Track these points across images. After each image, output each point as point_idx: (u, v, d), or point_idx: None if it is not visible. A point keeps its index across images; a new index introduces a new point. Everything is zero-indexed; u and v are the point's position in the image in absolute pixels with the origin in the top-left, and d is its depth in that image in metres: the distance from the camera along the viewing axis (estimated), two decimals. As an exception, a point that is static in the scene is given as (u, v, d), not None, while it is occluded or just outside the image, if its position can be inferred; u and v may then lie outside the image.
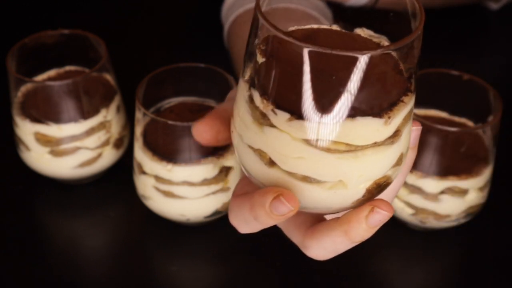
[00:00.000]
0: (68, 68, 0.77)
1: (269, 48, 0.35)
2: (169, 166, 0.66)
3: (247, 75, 0.36)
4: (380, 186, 0.37)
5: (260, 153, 0.36)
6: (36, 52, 0.74)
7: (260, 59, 0.35)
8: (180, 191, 0.67)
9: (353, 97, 0.33)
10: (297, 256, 0.72)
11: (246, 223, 0.38)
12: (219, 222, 0.71)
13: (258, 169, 0.37)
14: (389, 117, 0.34)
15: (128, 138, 0.76)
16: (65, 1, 1.08)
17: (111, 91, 0.74)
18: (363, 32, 0.38)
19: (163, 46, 0.99)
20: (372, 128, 0.34)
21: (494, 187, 0.70)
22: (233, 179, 0.68)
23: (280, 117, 0.34)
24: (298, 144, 0.35)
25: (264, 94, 0.35)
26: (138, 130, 0.68)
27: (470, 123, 0.71)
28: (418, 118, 0.64)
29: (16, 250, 0.70)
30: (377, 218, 0.36)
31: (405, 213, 0.68)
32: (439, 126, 0.64)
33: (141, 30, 1.02)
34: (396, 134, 0.35)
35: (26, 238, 0.71)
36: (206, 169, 0.66)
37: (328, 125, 0.34)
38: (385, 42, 0.37)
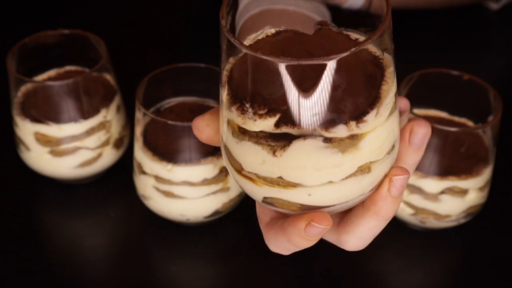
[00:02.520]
0: (68, 68, 0.77)
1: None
2: (169, 166, 0.66)
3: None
4: None
5: (360, 169, 0.36)
6: (36, 52, 0.74)
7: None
8: (180, 191, 0.67)
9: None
10: (297, 256, 0.72)
11: (288, 249, 0.40)
12: (219, 222, 0.71)
13: (361, 185, 0.36)
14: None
15: (128, 138, 0.76)
16: (65, 1, 1.08)
17: (111, 91, 0.74)
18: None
19: (163, 46, 0.99)
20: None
21: (494, 187, 0.70)
22: (233, 179, 0.68)
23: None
24: (386, 125, 0.36)
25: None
26: (138, 130, 0.68)
27: (470, 123, 0.71)
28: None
29: (16, 250, 0.70)
30: (398, 185, 0.37)
31: (405, 213, 0.68)
32: (439, 126, 0.64)
33: (141, 30, 1.02)
34: None
35: (26, 238, 0.71)
36: (206, 169, 0.66)
37: (391, 86, 0.36)
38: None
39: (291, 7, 0.70)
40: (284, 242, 0.38)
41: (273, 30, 0.38)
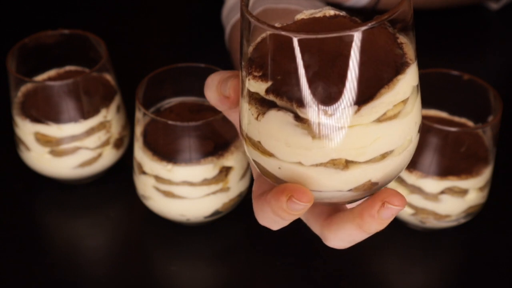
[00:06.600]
0: (68, 68, 0.77)
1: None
2: (169, 166, 0.66)
3: (280, 100, 0.34)
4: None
5: (333, 163, 0.34)
6: (36, 52, 0.74)
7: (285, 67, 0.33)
8: (180, 191, 0.67)
9: (399, 55, 0.34)
10: (297, 256, 0.72)
11: (275, 222, 0.39)
12: (219, 222, 0.71)
13: (334, 179, 0.35)
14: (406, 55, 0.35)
15: (128, 138, 0.76)
16: (65, 1, 1.08)
17: (111, 91, 0.74)
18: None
19: (163, 46, 0.99)
20: (414, 73, 0.36)
21: (494, 187, 0.70)
22: (233, 179, 0.68)
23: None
24: (372, 128, 0.33)
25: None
26: (138, 130, 0.68)
27: (470, 123, 0.71)
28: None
29: (16, 250, 0.70)
30: (389, 212, 0.36)
31: (405, 213, 0.68)
32: (439, 126, 0.64)
33: (141, 30, 1.02)
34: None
35: (26, 238, 0.71)
36: (206, 169, 0.66)
37: (392, 92, 0.34)
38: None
39: (293, 5, 0.71)
40: (270, 214, 0.38)
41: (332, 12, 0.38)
